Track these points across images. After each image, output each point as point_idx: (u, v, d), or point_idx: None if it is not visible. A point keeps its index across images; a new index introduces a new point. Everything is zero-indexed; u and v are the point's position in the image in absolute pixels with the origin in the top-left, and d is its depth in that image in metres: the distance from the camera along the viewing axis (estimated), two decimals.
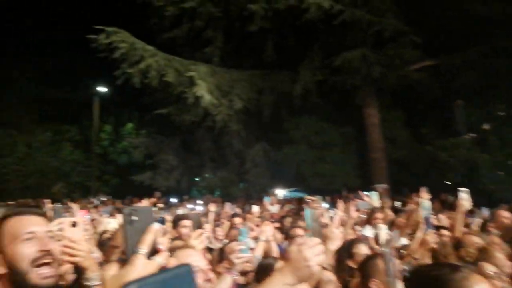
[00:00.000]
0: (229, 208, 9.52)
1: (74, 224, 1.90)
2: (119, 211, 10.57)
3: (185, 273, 0.91)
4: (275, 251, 4.04)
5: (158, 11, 13.25)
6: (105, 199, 18.30)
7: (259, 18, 12.54)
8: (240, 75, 14.19)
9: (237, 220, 5.92)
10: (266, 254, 3.83)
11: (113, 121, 26.04)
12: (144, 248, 1.06)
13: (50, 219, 1.77)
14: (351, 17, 11.84)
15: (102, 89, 23.53)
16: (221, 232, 5.82)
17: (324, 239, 3.13)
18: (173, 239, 3.68)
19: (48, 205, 7.28)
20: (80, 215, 5.34)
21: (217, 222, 6.57)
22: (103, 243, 4.24)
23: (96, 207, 12.07)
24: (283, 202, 12.00)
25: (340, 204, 4.89)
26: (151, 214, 1.13)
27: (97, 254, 3.31)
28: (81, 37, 12.36)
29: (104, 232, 5.39)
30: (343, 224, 4.64)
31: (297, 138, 16.75)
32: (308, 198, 8.63)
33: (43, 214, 1.66)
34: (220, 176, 18.74)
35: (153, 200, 8.97)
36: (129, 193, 18.22)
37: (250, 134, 17.35)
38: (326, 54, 13.56)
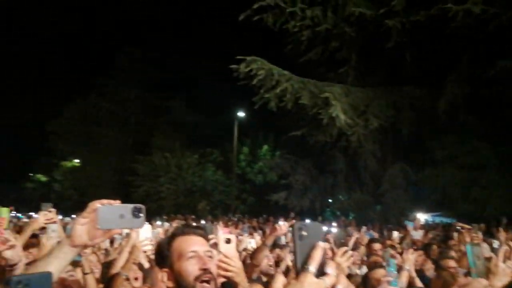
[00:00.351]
0: (365, 232, 9.11)
1: (228, 241, 1.98)
2: (255, 229, 11.00)
3: None
4: (419, 282, 3.68)
5: (293, 37, 13.72)
6: (241, 216, 19.35)
7: (396, 33, 11.96)
8: (375, 93, 13.68)
9: (377, 245, 5.55)
10: (410, 285, 3.57)
11: (250, 143, 27.59)
12: (313, 266, 1.01)
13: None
14: (510, 20, 10.36)
15: (241, 114, 25.19)
16: (358, 257, 5.55)
17: (487, 274, 2.70)
18: None
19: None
20: (226, 233, 5.66)
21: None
22: (243, 261, 4.40)
23: (235, 224, 12.76)
24: (427, 228, 10.98)
25: (503, 234, 4.21)
26: (320, 230, 1.09)
27: None
28: (223, 68, 13.60)
29: (243, 250, 5.60)
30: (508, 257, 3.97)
31: (442, 158, 15.21)
32: (459, 225, 7.67)
33: (203, 235, 1.78)
34: (354, 198, 18.12)
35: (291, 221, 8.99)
36: (265, 212, 18.93)
37: (387, 154, 16.45)
38: (476, 64, 12.13)
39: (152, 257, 3.45)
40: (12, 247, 2.18)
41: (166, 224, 10.86)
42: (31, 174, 39.97)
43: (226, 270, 1.89)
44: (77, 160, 34.88)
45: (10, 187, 40.30)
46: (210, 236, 2.15)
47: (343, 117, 12.42)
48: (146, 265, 3.57)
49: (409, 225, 8.76)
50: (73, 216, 16.30)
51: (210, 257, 1.70)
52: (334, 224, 13.38)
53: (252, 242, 6.70)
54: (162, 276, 1.67)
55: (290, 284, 1.00)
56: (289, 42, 14.26)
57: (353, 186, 18.42)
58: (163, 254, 1.71)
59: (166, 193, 25.35)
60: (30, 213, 21.63)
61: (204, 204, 24.43)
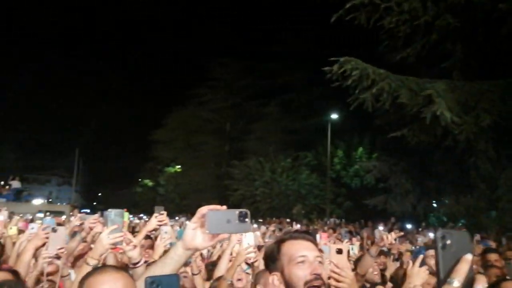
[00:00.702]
0: (478, 240, 8.29)
1: (340, 251, 1.92)
2: (352, 234, 10.64)
3: None
4: None
5: (389, 33, 13.06)
6: (338, 221, 18.93)
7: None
8: (486, 86, 12.32)
9: (493, 256, 4.94)
10: None
11: (344, 146, 26.94)
12: (457, 280, 0.94)
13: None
14: None
15: (334, 116, 24.73)
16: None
17: None
18: None
19: None
20: (324, 238, 5.54)
21: None
22: None
23: (332, 229, 12.50)
24: None
25: None
26: (467, 240, 1.01)
27: None
28: (315, 71, 13.42)
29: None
30: None
31: None
32: None
33: (312, 240, 1.76)
34: (464, 203, 16.53)
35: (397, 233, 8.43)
36: (362, 216, 18.27)
37: (503, 154, 14.73)
38: None
39: (256, 263, 3.51)
40: (134, 247, 2.36)
41: (263, 227, 11.03)
42: (140, 180, 44.18)
43: (338, 281, 1.85)
44: (178, 166, 37.57)
45: (124, 191, 45.13)
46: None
47: (449, 115, 11.36)
48: (244, 267, 3.65)
49: None
50: (177, 218, 17.47)
51: (320, 262, 1.67)
52: None
53: (354, 248, 6.47)
54: (272, 279, 1.68)
55: None
56: (384, 39, 13.60)
57: (462, 190, 16.86)
58: (273, 258, 1.72)
59: (261, 196, 25.87)
60: (141, 215, 23.78)
61: (299, 208, 24.40)
